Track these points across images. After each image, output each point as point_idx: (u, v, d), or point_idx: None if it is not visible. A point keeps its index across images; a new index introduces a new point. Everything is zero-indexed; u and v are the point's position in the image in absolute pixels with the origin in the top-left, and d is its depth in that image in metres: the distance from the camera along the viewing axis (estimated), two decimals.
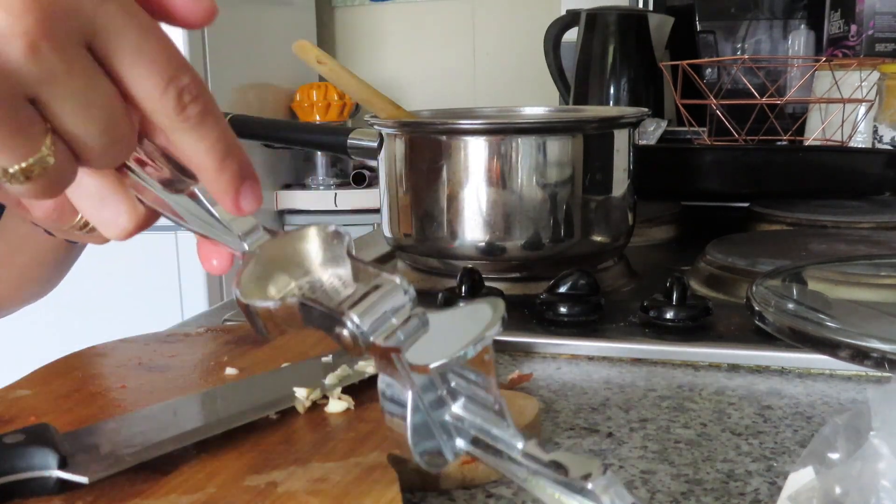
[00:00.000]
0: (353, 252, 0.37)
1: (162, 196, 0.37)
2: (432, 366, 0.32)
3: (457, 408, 0.35)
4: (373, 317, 0.33)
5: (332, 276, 0.36)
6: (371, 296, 0.34)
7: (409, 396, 0.34)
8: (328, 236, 0.37)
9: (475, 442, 0.35)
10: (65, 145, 0.30)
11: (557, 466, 0.32)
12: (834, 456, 0.31)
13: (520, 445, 0.33)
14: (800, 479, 0.32)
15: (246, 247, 0.37)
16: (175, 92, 0.30)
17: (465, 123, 0.74)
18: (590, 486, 0.30)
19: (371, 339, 0.33)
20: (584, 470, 0.31)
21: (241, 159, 0.33)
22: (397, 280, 0.34)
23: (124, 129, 0.31)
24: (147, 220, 0.37)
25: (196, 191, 0.36)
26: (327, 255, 0.37)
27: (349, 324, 0.33)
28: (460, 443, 0.35)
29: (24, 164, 0.29)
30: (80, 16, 0.28)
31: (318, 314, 0.34)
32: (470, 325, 0.33)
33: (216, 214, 0.37)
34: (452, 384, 0.35)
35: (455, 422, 0.35)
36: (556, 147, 0.72)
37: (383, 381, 0.35)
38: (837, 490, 0.30)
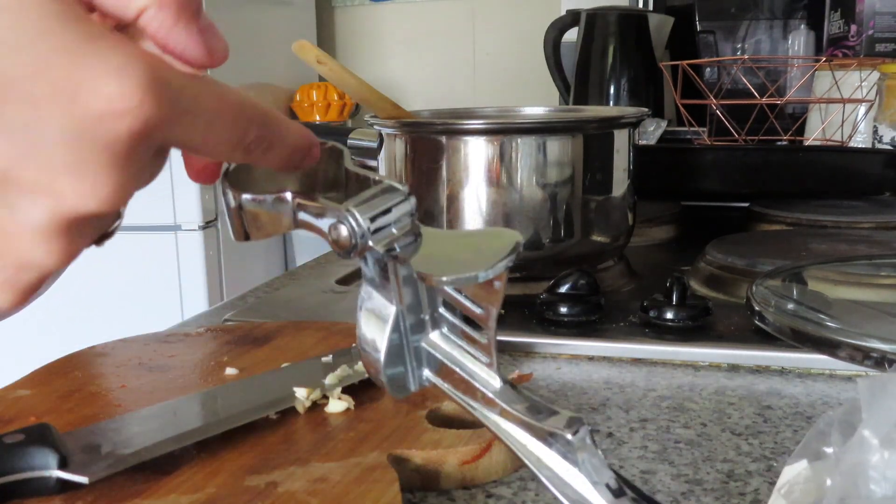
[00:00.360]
0: (351, 165, 0.34)
1: None
2: (443, 278, 0.30)
3: (435, 336, 0.33)
4: (375, 217, 0.31)
5: (328, 198, 0.33)
6: (374, 198, 0.31)
7: (391, 312, 0.32)
8: (323, 153, 0.34)
9: (442, 373, 0.33)
10: None
11: (535, 412, 0.30)
12: (829, 450, 0.31)
13: (497, 385, 0.31)
14: (793, 472, 0.32)
15: None
16: (242, 149, 0.31)
17: (465, 123, 0.74)
18: (569, 436, 0.28)
19: (370, 242, 0.31)
20: (564, 421, 0.29)
21: (305, 147, 0.33)
22: (401, 187, 0.32)
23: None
24: None
25: None
26: (322, 174, 0.34)
27: (350, 219, 0.31)
28: (427, 373, 0.33)
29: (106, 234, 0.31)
30: (157, 139, 0.28)
31: (314, 210, 0.32)
32: (484, 248, 0.31)
33: None
34: (440, 310, 0.33)
35: (429, 349, 0.33)
36: (556, 147, 0.72)
37: (366, 293, 0.33)
38: (828, 481, 0.30)
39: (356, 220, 0.31)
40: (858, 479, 0.29)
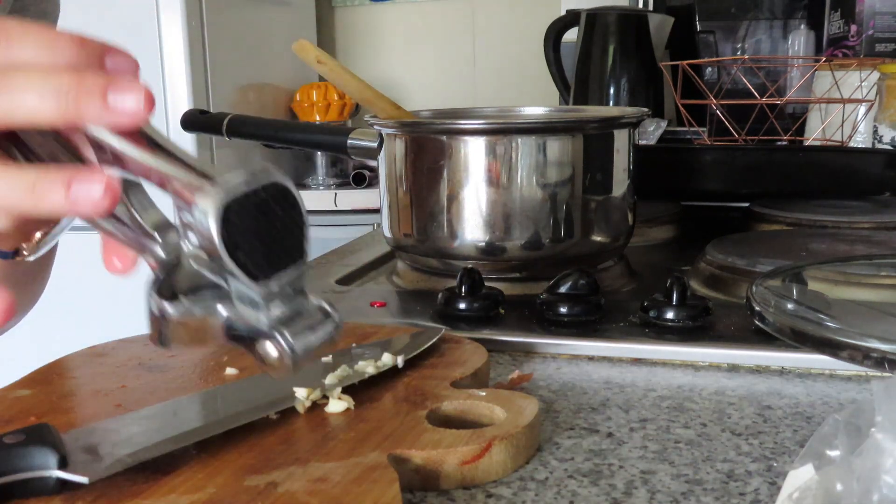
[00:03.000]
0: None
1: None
2: None
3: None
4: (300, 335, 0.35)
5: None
6: (300, 320, 0.36)
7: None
8: None
9: None
10: None
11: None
12: (833, 453, 0.31)
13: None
14: (799, 477, 0.31)
15: (163, 255, 0.36)
16: (71, 96, 0.32)
17: (465, 123, 0.74)
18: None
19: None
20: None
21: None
22: (333, 313, 0.37)
23: None
24: None
25: (127, 196, 0.36)
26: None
27: (282, 340, 0.35)
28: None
29: None
30: None
31: (243, 328, 0.35)
32: None
33: (140, 220, 0.36)
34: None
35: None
36: (556, 147, 0.72)
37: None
38: (838, 487, 0.29)
39: (289, 342, 0.35)
40: (872, 485, 0.28)
